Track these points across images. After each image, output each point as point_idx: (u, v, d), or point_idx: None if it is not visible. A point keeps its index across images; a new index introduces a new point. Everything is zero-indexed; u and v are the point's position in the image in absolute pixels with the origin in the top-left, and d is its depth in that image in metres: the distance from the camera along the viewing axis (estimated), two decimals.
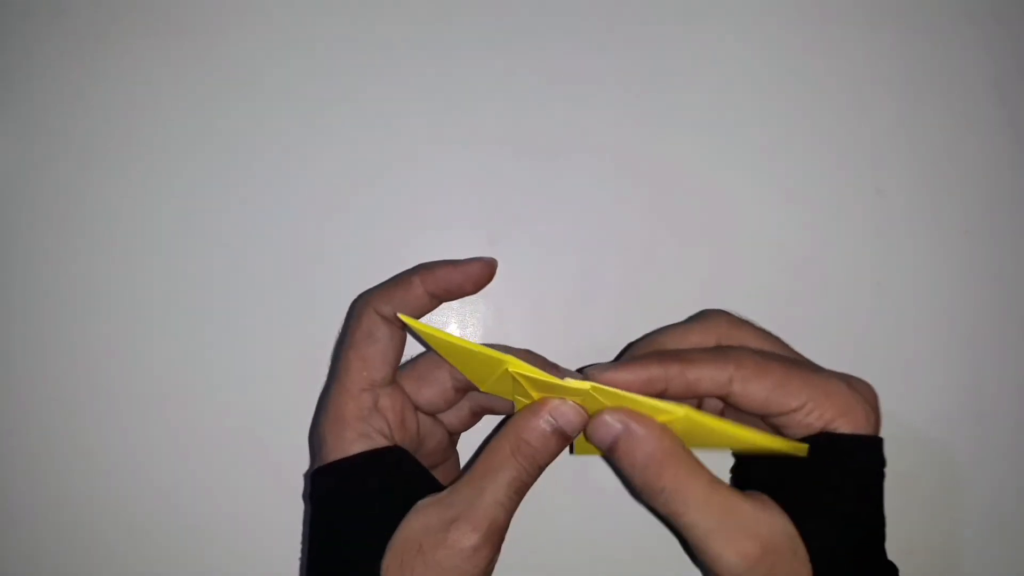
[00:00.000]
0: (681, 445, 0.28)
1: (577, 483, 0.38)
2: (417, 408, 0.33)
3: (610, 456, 0.28)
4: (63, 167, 0.37)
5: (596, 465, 0.37)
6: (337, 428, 0.31)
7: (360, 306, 0.32)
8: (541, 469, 0.29)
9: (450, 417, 0.35)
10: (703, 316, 0.32)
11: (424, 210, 0.38)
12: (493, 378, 0.30)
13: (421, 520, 0.28)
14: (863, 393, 0.29)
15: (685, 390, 0.28)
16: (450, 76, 0.38)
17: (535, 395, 0.29)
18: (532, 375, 0.28)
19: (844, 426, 0.28)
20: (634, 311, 0.38)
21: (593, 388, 0.27)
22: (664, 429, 0.28)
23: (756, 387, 0.28)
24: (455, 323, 0.38)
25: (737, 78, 0.39)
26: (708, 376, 0.28)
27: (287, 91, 0.38)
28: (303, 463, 0.36)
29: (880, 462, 0.29)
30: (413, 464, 0.31)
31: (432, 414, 0.34)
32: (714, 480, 0.27)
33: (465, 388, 0.33)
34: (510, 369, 0.28)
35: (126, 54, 0.37)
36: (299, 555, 0.36)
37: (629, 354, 0.33)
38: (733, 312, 0.32)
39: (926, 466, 0.39)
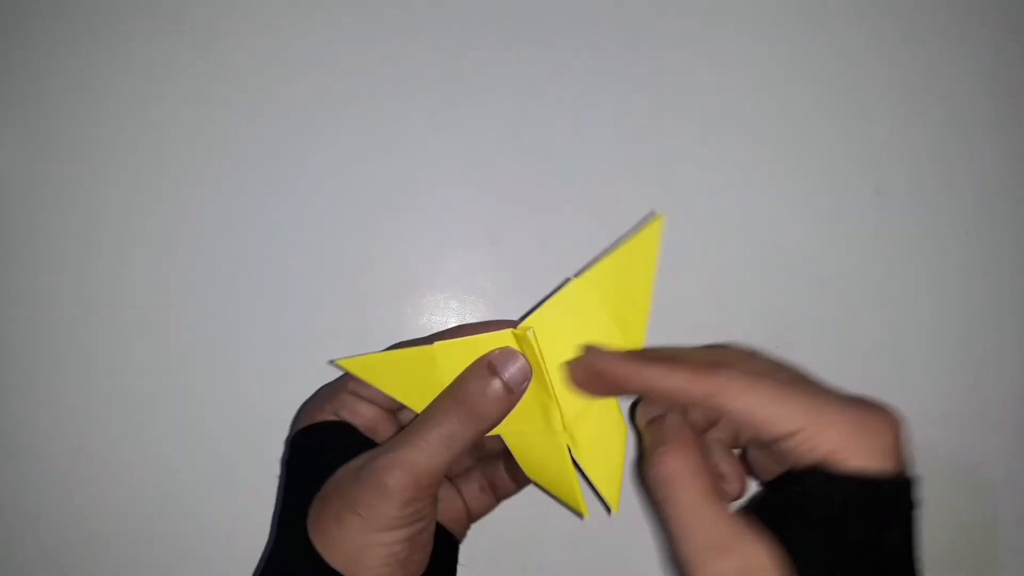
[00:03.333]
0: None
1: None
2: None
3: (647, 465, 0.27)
4: (63, 168, 0.38)
5: None
6: (316, 403, 0.32)
7: None
8: (485, 421, 0.28)
9: None
10: (722, 345, 0.29)
11: (425, 209, 0.38)
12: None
13: (349, 464, 0.29)
14: (878, 422, 0.25)
15: (665, 396, 0.26)
16: (451, 74, 0.38)
17: None
18: (458, 343, 0.29)
19: (848, 459, 0.24)
20: None
21: (514, 334, 0.28)
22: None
23: (743, 404, 0.25)
24: (455, 320, 0.38)
25: (737, 78, 0.39)
26: (688, 385, 0.25)
27: (288, 93, 0.38)
28: None
29: (890, 500, 0.24)
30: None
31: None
32: (708, 496, 0.25)
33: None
34: (436, 345, 0.29)
35: (129, 55, 0.38)
36: None
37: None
38: (760, 351, 0.29)
39: (924, 466, 0.39)
